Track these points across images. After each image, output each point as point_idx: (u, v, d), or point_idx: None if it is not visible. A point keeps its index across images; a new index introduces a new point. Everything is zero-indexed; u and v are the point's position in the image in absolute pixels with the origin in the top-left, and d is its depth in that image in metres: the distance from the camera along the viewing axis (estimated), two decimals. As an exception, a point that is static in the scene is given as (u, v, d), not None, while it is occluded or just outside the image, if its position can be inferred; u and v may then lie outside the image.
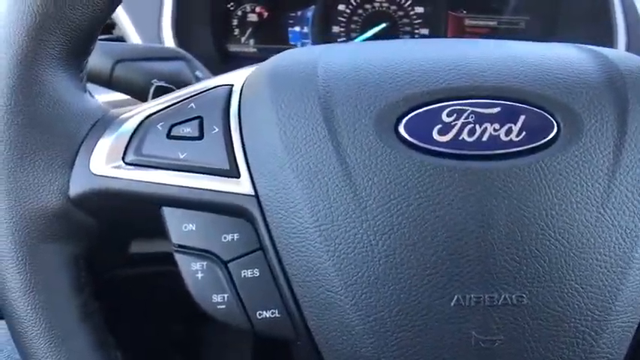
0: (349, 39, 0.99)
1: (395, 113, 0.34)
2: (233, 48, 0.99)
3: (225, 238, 0.35)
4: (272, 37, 0.99)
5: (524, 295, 0.32)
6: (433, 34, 0.99)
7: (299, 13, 0.99)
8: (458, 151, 0.33)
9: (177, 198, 0.35)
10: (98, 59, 0.52)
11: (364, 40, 0.98)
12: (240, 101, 0.37)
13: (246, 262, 0.35)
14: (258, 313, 0.34)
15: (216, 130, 0.36)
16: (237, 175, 0.35)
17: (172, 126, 0.37)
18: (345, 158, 0.33)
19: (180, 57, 0.54)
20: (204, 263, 0.35)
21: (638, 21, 0.81)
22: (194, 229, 0.35)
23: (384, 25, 0.98)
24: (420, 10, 0.99)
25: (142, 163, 0.36)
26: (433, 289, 0.32)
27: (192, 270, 0.35)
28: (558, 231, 0.32)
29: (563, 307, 0.32)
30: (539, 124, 0.33)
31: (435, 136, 0.33)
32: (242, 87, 0.38)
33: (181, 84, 0.53)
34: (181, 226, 0.35)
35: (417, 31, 1.00)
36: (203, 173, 0.35)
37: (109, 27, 0.78)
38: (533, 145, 0.33)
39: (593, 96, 0.35)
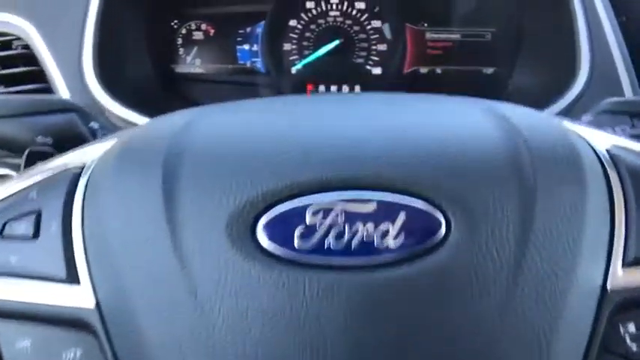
0: (302, 56, 0.93)
1: (251, 212, 0.28)
2: (178, 69, 0.93)
3: (66, 355, 0.30)
4: (219, 56, 0.93)
5: None
6: (392, 50, 0.93)
7: (248, 29, 0.92)
8: (322, 261, 0.27)
9: (7, 310, 0.30)
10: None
11: (318, 57, 0.92)
12: (86, 189, 0.32)
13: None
14: None
15: (55, 227, 0.31)
16: (77, 282, 0.30)
17: (6, 222, 0.31)
18: (190, 268, 0.28)
19: (69, 108, 0.48)
20: (44, 389, 0.30)
21: (603, 37, 0.75)
22: (29, 345, 0.30)
23: (337, 42, 0.92)
24: (377, 24, 0.93)
25: (-32, 268, 0.31)
26: None
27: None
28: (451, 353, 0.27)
29: None
30: (422, 223, 0.28)
31: (297, 241, 0.27)
32: (92, 170, 0.33)
33: (73, 140, 0.48)
34: (14, 343, 0.30)
35: (374, 47, 0.93)
36: (38, 279, 0.30)
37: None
38: (415, 250, 0.27)
39: (493, 182, 0.29)
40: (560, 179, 0.30)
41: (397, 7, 0.92)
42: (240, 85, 0.92)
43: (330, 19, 0.93)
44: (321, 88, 0.93)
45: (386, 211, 0.28)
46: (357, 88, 0.93)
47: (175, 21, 0.92)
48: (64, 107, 0.48)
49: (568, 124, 0.35)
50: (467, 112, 0.35)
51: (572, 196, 0.29)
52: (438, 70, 0.94)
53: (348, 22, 0.93)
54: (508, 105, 0.39)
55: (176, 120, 0.35)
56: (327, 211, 0.28)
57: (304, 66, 0.92)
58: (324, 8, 0.92)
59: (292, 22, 0.92)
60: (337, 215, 0.28)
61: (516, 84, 0.88)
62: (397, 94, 0.46)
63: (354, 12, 0.93)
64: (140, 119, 0.68)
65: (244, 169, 0.29)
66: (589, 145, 0.33)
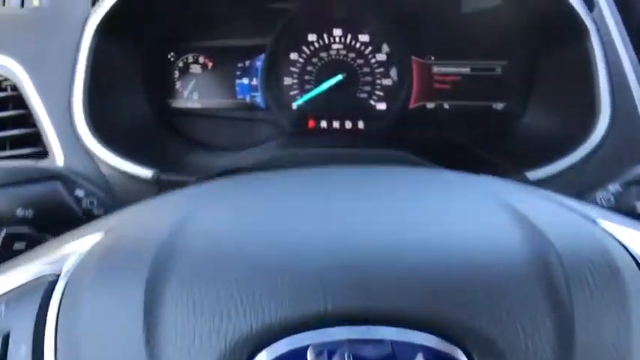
0: (303, 91, 0.89)
1: (243, 354, 0.24)
2: (175, 104, 0.89)
3: None
4: (218, 91, 0.89)
5: None
6: (397, 84, 0.89)
7: (247, 63, 0.89)
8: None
9: None
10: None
11: (320, 92, 0.88)
12: (60, 304, 0.28)
13: None
14: None
15: (24, 351, 0.27)
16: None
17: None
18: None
19: (52, 176, 0.44)
20: None
21: (623, 76, 0.71)
22: None
23: (341, 76, 0.88)
24: (381, 57, 0.89)
25: None
26: None
27: None
28: None
29: None
30: (442, 366, 0.24)
31: (296, 391, 0.24)
32: (67, 281, 0.29)
33: (56, 210, 0.44)
34: None
35: (378, 81, 0.89)
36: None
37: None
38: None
39: (522, 313, 0.25)
40: (600, 304, 0.26)
41: (402, 39, 0.88)
42: (239, 121, 0.89)
43: (332, 53, 0.89)
44: (323, 124, 0.89)
45: (401, 354, 0.24)
46: (361, 124, 0.89)
47: (172, 53, 0.89)
48: (46, 175, 0.44)
49: (602, 225, 0.31)
50: (484, 209, 0.31)
51: (615, 325, 0.25)
52: (446, 106, 0.90)
53: (352, 55, 0.89)
54: (530, 196, 0.35)
55: (164, 217, 0.31)
56: (331, 352, 0.24)
57: (306, 101, 0.89)
58: (326, 41, 0.89)
59: (293, 56, 0.89)
60: (343, 356, 0.24)
61: (529, 122, 0.84)
62: (398, 171, 0.42)
63: (357, 45, 0.89)
64: (132, 168, 0.64)
65: (236, 296, 0.25)
66: (630, 254, 0.29)
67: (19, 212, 0.42)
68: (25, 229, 0.40)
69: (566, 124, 0.75)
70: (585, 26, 0.69)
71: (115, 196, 0.65)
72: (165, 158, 0.72)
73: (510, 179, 0.65)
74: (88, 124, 0.65)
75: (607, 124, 0.66)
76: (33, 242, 0.40)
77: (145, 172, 0.64)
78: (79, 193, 0.45)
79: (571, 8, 0.69)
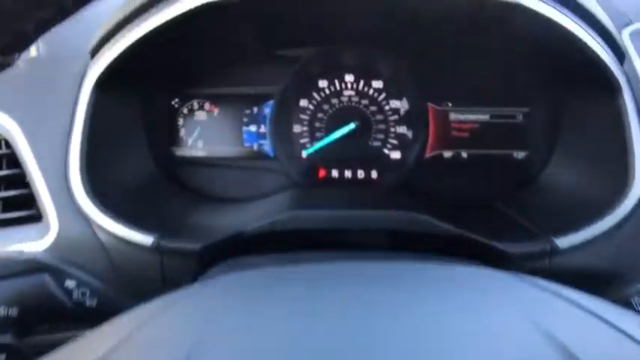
0: (313, 139, 0.85)
1: None
2: (179, 152, 0.85)
3: None
4: (224, 138, 0.85)
5: None
6: (413, 132, 0.84)
7: (255, 109, 0.85)
8: None
9: None
10: None
11: (332, 141, 0.83)
12: None
13: None
14: None
15: None
16: None
17: None
18: None
19: (39, 268, 0.40)
20: None
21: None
22: None
23: (353, 125, 0.83)
24: (396, 104, 0.85)
25: None
26: None
27: None
28: None
29: None
30: None
31: None
32: None
33: (44, 305, 0.40)
34: None
35: (392, 129, 0.85)
36: None
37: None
38: None
39: None
40: None
41: (417, 85, 0.84)
42: (246, 170, 0.84)
43: (344, 99, 0.85)
44: (335, 173, 0.85)
45: None
46: (374, 174, 0.85)
47: (176, 100, 0.85)
48: (33, 268, 0.40)
49: None
50: (518, 337, 0.27)
51: None
52: (464, 155, 0.85)
53: (365, 102, 0.85)
54: (565, 310, 0.30)
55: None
56: None
57: (316, 150, 0.85)
58: (337, 87, 0.85)
59: (303, 102, 0.85)
60: None
61: (552, 174, 0.79)
62: (414, 277, 0.37)
63: (370, 91, 0.85)
64: (131, 234, 0.59)
65: None
66: None
67: (2, 311, 0.37)
68: (7, 339, 0.35)
69: (595, 183, 0.70)
70: (617, 81, 0.64)
71: (112, 264, 0.61)
72: (167, 218, 0.68)
73: (541, 255, 0.61)
74: (84, 187, 0.61)
75: None
76: (14, 354, 0.35)
77: (145, 239, 0.60)
78: (70, 284, 0.41)
79: (600, 61, 0.65)
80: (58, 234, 0.60)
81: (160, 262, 0.60)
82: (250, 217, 0.68)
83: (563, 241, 0.62)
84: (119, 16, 0.61)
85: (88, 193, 0.61)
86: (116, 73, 0.65)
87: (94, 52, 0.64)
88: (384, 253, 0.58)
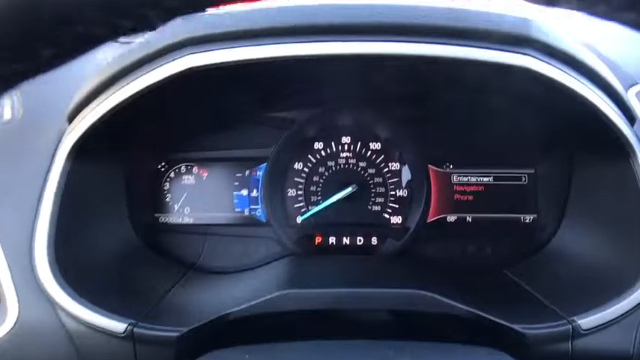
0: (309, 204, 0.79)
1: None
2: (164, 219, 0.79)
3: None
4: (213, 204, 0.80)
5: None
6: (414, 195, 0.79)
7: (247, 172, 0.80)
8: None
9: None
10: None
11: (329, 205, 0.78)
12: None
13: None
14: None
15: None
16: None
17: None
18: None
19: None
20: None
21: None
22: None
23: (350, 188, 0.78)
24: (395, 166, 0.80)
25: None
26: None
27: None
28: None
29: None
30: None
31: None
32: None
33: None
34: None
35: (392, 192, 0.80)
36: None
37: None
38: None
39: None
40: None
41: (416, 146, 0.79)
42: (236, 238, 0.78)
43: (341, 162, 0.80)
44: (332, 240, 0.79)
45: None
46: (374, 240, 0.79)
47: (163, 164, 0.80)
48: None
49: None
50: None
51: None
52: (469, 218, 0.80)
53: (362, 164, 0.80)
54: None
55: None
56: None
57: (312, 215, 0.79)
58: (334, 149, 0.80)
59: (298, 165, 0.80)
60: None
61: (564, 241, 0.74)
62: None
63: (368, 153, 0.81)
64: (101, 320, 0.52)
65: None
66: None
67: None
68: None
69: (612, 252, 0.64)
70: (629, 143, 0.60)
71: (79, 355, 0.53)
72: (145, 297, 0.61)
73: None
74: (50, 265, 0.54)
75: None
76: None
77: (117, 325, 0.53)
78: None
79: (611, 123, 0.61)
80: (18, 319, 0.53)
81: (133, 352, 0.53)
82: (237, 295, 0.61)
83: (586, 322, 0.55)
84: (99, 79, 0.56)
85: (54, 272, 0.54)
86: (96, 139, 0.61)
87: (72, 117, 0.59)
88: (387, 341, 0.51)
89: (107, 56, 0.59)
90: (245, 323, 0.54)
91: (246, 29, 0.52)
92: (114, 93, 0.56)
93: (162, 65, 0.52)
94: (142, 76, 0.53)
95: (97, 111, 0.57)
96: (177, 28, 0.53)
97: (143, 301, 0.59)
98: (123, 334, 0.52)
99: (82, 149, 0.60)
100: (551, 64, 0.55)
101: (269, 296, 0.56)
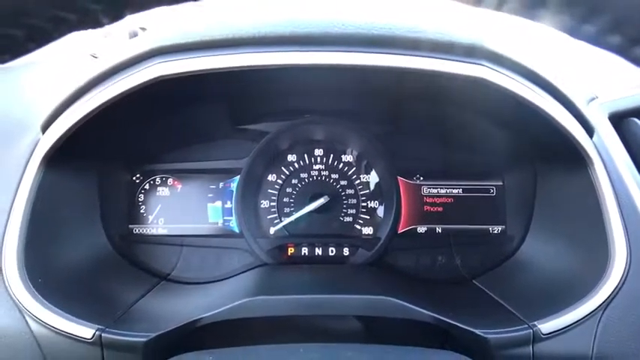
0: (282, 215, 0.81)
1: None
2: (138, 230, 0.80)
3: None
4: (187, 215, 0.80)
5: None
6: (385, 206, 0.81)
7: (220, 184, 0.81)
8: None
9: None
10: None
11: (302, 217, 0.80)
12: None
13: None
14: None
15: None
16: None
17: None
18: None
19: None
20: None
21: (634, 209, 0.62)
22: None
23: (322, 200, 0.80)
24: (366, 178, 0.82)
25: None
26: None
27: None
28: None
29: None
30: None
31: None
32: None
33: None
34: None
35: (363, 203, 0.82)
36: None
37: None
38: None
39: None
40: None
41: (388, 159, 0.82)
42: (209, 249, 0.79)
43: (314, 173, 0.82)
44: (304, 250, 0.80)
45: None
46: (346, 250, 0.80)
47: (138, 175, 0.81)
48: None
49: None
50: None
51: None
52: (438, 229, 0.82)
53: (334, 176, 0.82)
54: None
55: None
56: None
57: (285, 226, 0.80)
58: (307, 161, 0.82)
59: (271, 177, 0.82)
60: None
61: (530, 251, 0.76)
62: None
63: (340, 165, 0.83)
64: (68, 325, 0.52)
65: None
66: None
67: None
68: None
69: (575, 260, 0.66)
70: (587, 153, 0.63)
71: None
72: (116, 305, 0.61)
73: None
74: (19, 271, 0.55)
75: (623, 268, 0.58)
76: None
77: (85, 331, 0.53)
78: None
79: (569, 134, 0.63)
80: (-15, 325, 0.53)
81: (101, 357, 0.53)
82: (207, 303, 0.62)
83: (546, 327, 0.57)
84: (71, 89, 0.58)
85: (22, 278, 0.54)
86: (69, 149, 0.61)
87: (45, 126, 0.60)
88: (353, 344, 0.52)
89: (81, 66, 0.61)
90: (213, 329, 0.54)
91: (216, 39, 0.54)
92: (85, 102, 0.57)
93: (131, 75, 0.54)
94: (112, 85, 0.55)
95: (69, 120, 0.58)
96: (147, 39, 0.55)
97: (113, 308, 0.60)
98: (91, 340, 0.53)
99: (54, 159, 0.61)
100: (506, 76, 0.57)
101: (238, 302, 0.56)
